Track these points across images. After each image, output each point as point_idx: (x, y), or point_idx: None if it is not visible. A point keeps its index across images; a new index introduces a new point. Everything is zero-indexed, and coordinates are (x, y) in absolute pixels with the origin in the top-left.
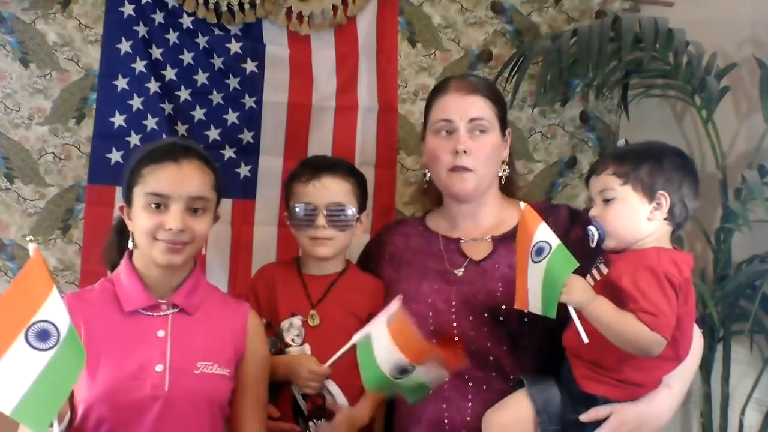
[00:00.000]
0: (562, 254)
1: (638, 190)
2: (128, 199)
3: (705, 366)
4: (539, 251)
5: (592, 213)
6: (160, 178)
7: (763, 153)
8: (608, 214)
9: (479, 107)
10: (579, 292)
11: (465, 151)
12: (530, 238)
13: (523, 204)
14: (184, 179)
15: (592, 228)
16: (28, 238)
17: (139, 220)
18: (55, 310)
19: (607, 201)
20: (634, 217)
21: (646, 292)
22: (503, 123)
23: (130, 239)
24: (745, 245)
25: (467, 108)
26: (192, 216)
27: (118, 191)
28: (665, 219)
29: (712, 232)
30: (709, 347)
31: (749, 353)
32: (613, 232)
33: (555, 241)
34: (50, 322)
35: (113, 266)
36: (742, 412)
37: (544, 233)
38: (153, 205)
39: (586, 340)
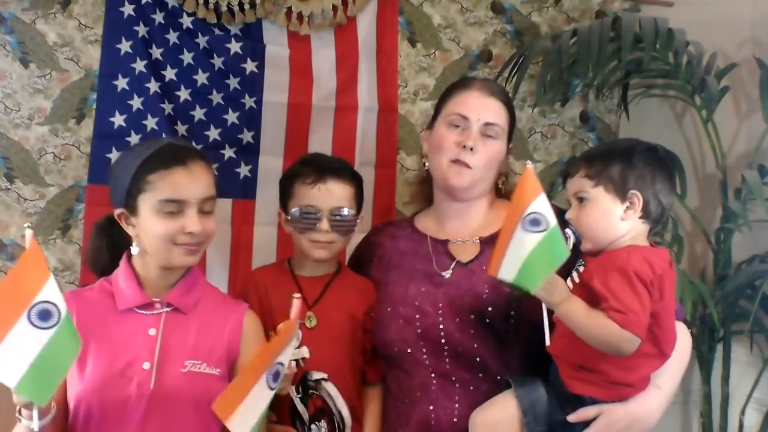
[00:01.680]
0: (558, 237)
1: (610, 190)
2: (131, 206)
3: (705, 366)
4: (535, 222)
5: (567, 215)
6: (173, 184)
7: (763, 153)
8: (582, 216)
9: (497, 113)
10: (557, 292)
11: (471, 149)
12: (525, 204)
13: (529, 163)
14: (195, 182)
15: (568, 231)
16: (26, 224)
17: (152, 227)
18: (54, 292)
19: (580, 201)
20: (607, 218)
21: (616, 291)
22: (509, 135)
23: (134, 245)
24: (745, 245)
25: (486, 111)
26: (203, 216)
27: None
28: (640, 218)
29: (712, 232)
30: (709, 347)
31: (749, 353)
32: (587, 234)
33: (553, 220)
34: (51, 303)
35: (103, 269)
36: (742, 412)
37: (542, 205)
38: (170, 210)
39: (548, 343)
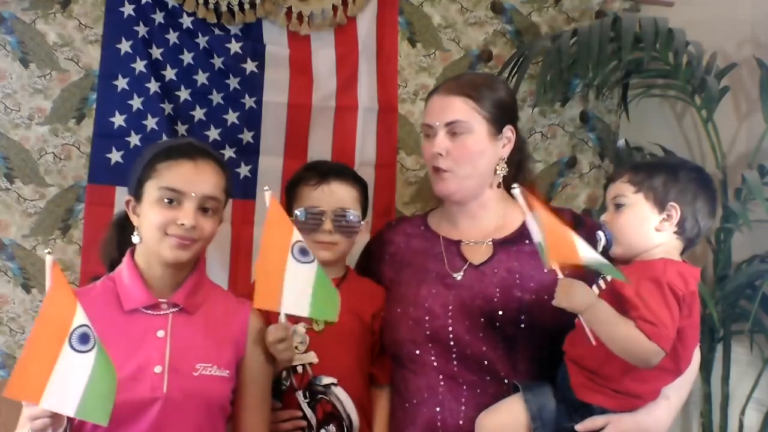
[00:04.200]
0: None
1: (650, 198)
2: (138, 193)
3: (705, 366)
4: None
5: (602, 218)
6: (176, 174)
7: (763, 153)
8: (617, 219)
9: (456, 110)
10: (579, 297)
11: (441, 154)
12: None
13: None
14: (199, 177)
15: (600, 233)
16: (46, 251)
17: (150, 215)
18: (84, 315)
19: (618, 207)
20: (642, 225)
21: (648, 302)
22: (496, 121)
23: (135, 234)
24: (745, 245)
25: (443, 112)
26: (202, 215)
27: (118, 191)
28: (675, 232)
29: (712, 232)
30: (709, 347)
31: (749, 353)
32: (619, 238)
33: (537, 238)
34: (86, 326)
35: (111, 262)
36: (742, 412)
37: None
38: (166, 200)
39: (594, 342)
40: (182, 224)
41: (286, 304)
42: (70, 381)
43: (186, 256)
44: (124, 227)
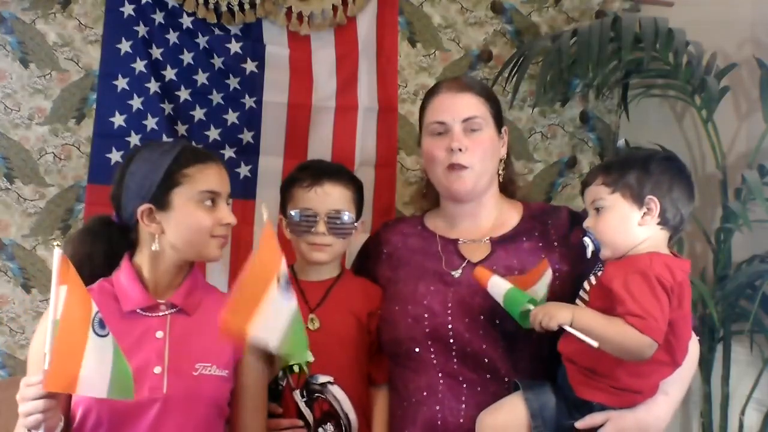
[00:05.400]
0: (514, 296)
1: (627, 197)
2: (161, 201)
3: (705, 366)
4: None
5: (585, 224)
6: (211, 176)
7: (763, 153)
8: (600, 223)
9: (471, 105)
10: (556, 318)
11: (460, 149)
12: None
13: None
14: (225, 178)
15: (586, 239)
16: (55, 243)
17: (191, 219)
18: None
19: (598, 211)
20: (625, 224)
21: (636, 295)
22: (498, 120)
23: (155, 243)
24: (745, 245)
25: (459, 108)
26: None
27: None
28: (659, 224)
29: (712, 232)
30: (709, 347)
31: (749, 353)
32: (605, 241)
33: (503, 288)
34: (99, 312)
35: (89, 278)
36: (742, 412)
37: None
38: (208, 202)
39: (596, 344)
40: (228, 223)
41: (257, 329)
42: (99, 365)
43: (221, 254)
44: (109, 237)
